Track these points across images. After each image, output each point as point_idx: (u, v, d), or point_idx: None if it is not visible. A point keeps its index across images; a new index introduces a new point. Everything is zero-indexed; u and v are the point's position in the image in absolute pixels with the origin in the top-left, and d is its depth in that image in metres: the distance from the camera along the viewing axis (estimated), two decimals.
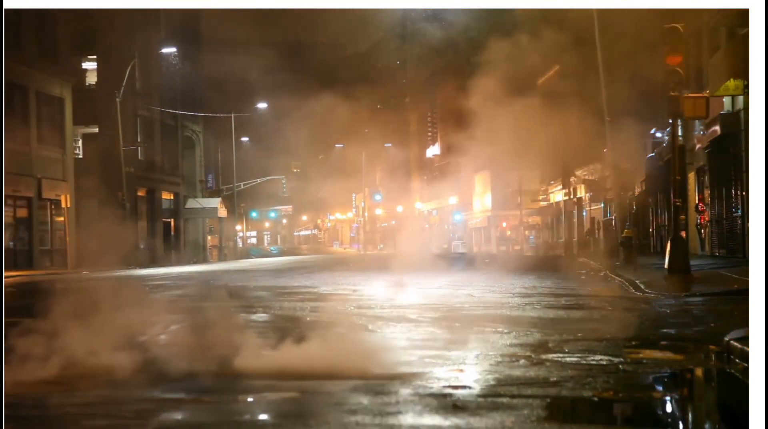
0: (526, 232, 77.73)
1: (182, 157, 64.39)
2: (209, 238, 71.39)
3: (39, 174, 44.68)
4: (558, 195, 68.35)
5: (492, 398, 7.81)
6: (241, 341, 10.28)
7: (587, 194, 57.86)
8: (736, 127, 29.41)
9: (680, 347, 10.87)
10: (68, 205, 45.32)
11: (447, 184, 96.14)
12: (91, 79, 54.81)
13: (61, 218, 46.41)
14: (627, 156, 41.77)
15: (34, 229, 44.62)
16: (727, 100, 30.25)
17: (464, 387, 8.32)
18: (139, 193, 56.91)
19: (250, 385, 8.62)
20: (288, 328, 12.18)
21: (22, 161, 43.05)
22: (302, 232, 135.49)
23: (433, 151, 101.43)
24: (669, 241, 23.13)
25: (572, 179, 62.93)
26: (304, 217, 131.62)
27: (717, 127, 30.80)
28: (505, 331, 12.42)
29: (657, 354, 10.42)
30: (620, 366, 9.48)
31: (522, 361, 9.76)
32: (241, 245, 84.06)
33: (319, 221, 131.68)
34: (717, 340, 10.96)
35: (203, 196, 67.99)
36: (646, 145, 43.52)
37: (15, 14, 41.28)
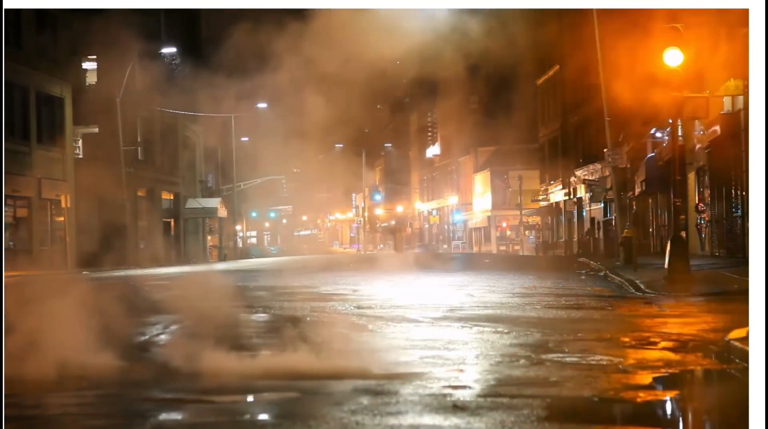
0: (526, 232, 77.70)
1: (182, 157, 64.37)
2: (209, 238, 71.36)
3: (39, 174, 44.65)
4: (558, 195, 68.34)
5: (492, 398, 7.81)
6: (242, 341, 10.28)
7: (587, 194, 57.86)
8: (736, 127, 29.38)
9: (680, 347, 10.87)
10: (68, 205, 45.29)
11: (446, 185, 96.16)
12: (91, 79, 54.78)
13: (61, 218, 46.38)
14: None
15: (34, 229, 44.60)
16: (727, 100, 30.22)
17: (464, 387, 8.32)
18: (139, 193, 56.89)
19: (250, 385, 8.61)
20: (288, 328, 12.18)
21: (22, 161, 43.04)
22: (302, 232, 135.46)
23: (433, 151, 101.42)
24: (669, 241, 23.12)
25: (572, 179, 62.96)
26: (304, 217, 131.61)
27: (717, 127, 30.79)
28: (505, 331, 12.42)
29: (657, 354, 10.42)
30: (620, 366, 9.48)
31: (522, 361, 9.76)
32: (241, 245, 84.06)
33: (319, 221, 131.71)
34: (717, 340, 10.96)
35: (203, 196, 67.96)
36: (646, 145, 43.52)
37: (15, 14, 41.28)
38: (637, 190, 46.02)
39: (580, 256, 45.66)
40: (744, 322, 10.10)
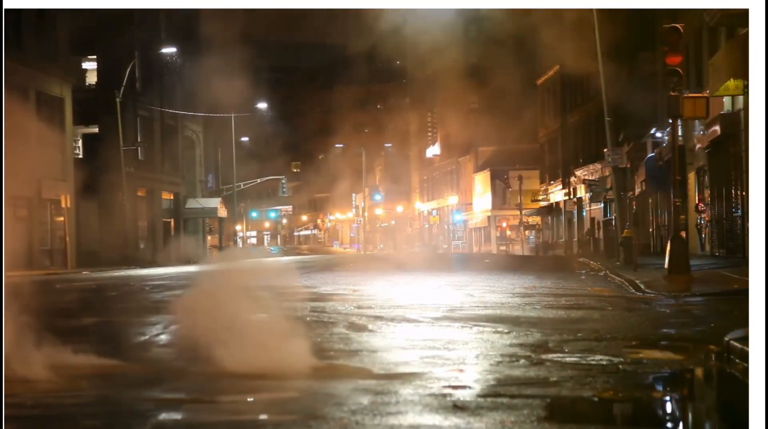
0: (526, 232, 77.70)
1: (182, 157, 64.37)
2: (209, 238, 71.39)
3: (39, 174, 44.64)
4: (558, 195, 68.35)
5: (492, 398, 7.81)
6: (241, 341, 10.27)
7: (587, 194, 57.87)
8: (736, 127, 29.39)
9: (680, 347, 10.87)
10: (68, 205, 45.29)
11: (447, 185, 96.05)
12: (91, 79, 54.80)
13: (61, 218, 46.38)
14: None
15: (34, 229, 44.59)
16: (727, 100, 30.23)
17: (464, 387, 8.32)
18: (139, 193, 56.90)
19: (250, 385, 8.61)
20: (288, 328, 12.17)
21: (22, 161, 43.00)
22: (302, 232, 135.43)
23: (433, 151, 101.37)
24: (669, 241, 23.12)
25: (572, 179, 62.98)
26: (304, 217, 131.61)
27: (717, 127, 30.79)
28: (505, 331, 12.41)
29: (657, 354, 10.41)
30: (620, 366, 9.47)
31: (522, 361, 9.75)
32: (241, 245, 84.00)
33: (319, 221, 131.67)
34: (717, 340, 10.95)
35: (203, 196, 67.97)
36: (646, 145, 43.54)
37: (15, 14, 41.27)
38: (637, 190, 46.06)
39: (580, 256, 45.65)
40: (744, 322, 10.10)
